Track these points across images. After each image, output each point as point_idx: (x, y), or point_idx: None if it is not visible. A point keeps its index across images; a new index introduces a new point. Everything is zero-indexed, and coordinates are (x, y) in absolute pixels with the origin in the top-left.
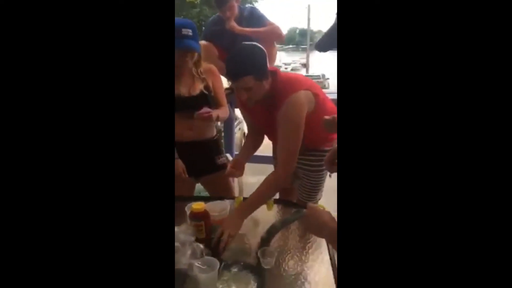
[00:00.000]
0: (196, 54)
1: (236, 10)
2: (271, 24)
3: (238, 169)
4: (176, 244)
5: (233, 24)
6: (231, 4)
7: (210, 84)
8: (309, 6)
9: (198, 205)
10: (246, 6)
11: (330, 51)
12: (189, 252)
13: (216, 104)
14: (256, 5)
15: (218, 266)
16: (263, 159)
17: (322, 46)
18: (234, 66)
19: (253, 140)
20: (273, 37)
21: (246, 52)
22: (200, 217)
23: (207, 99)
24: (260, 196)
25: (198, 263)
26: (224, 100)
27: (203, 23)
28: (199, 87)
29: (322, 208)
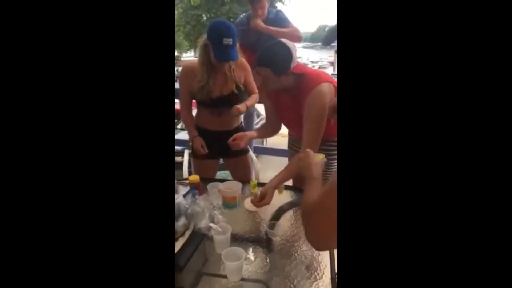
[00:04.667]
0: None
1: (266, 10)
2: (292, 26)
3: (241, 140)
4: (198, 209)
5: (258, 22)
6: (262, 4)
7: (242, 79)
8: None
9: (193, 177)
10: (272, 9)
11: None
12: (207, 216)
13: (248, 94)
14: (286, 1)
15: (230, 231)
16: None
17: (327, 40)
18: (259, 56)
19: (268, 128)
20: (292, 38)
21: (273, 48)
22: (195, 185)
23: (238, 98)
24: (287, 172)
25: (215, 227)
26: (255, 89)
27: (232, 20)
28: (231, 87)
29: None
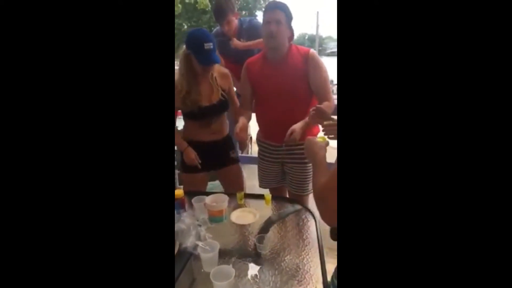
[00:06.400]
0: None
1: (235, 24)
2: None
3: (244, 132)
4: (183, 226)
5: (236, 42)
6: (229, 20)
7: (227, 89)
8: (317, 12)
9: (177, 192)
10: (245, 18)
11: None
12: (193, 233)
13: (231, 104)
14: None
15: (218, 248)
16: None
17: None
18: (273, 3)
19: (246, 112)
20: None
21: (283, 3)
22: (178, 199)
23: (226, 105)
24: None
25: (202, 245)
26: (237, 100)
27: (213, 29)
28: (217, 95)
29: (317, 139)
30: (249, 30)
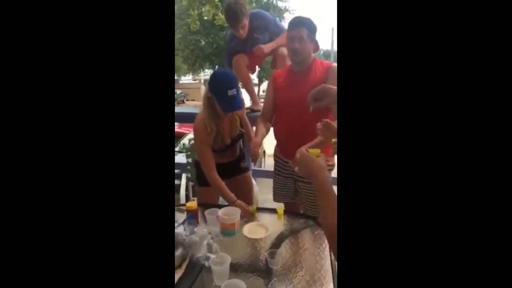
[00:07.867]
0: None
1: (247, 28)
2: (280, 25)
3: (258, 148)
4: (196, 238)
5: (260, 48)
6: (243, 24)
7: (240, 114)
8: (332, 29)
9: (191, 204)
10: (251, 13)
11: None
12: (205, 245)
13: (245, 128)
14: None
15: (229, 261)
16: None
17: None
18: (296, 19)
19: (265, 125)
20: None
21: (302, 17)
22: (192, 211)
23: (243, 135)
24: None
25: (213, 257)
26: (246, 120)
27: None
28: (237, 130)
29: (312, 155)
30: (264, 27)
